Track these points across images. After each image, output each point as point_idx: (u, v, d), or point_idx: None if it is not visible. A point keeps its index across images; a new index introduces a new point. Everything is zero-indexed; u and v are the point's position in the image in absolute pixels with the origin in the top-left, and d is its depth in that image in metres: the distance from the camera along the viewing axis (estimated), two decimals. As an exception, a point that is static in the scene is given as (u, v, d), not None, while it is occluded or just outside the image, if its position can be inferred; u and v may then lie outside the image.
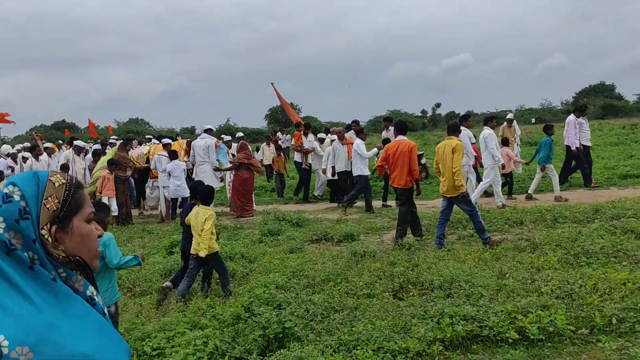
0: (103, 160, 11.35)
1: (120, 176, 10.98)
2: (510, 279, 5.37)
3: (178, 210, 10.79)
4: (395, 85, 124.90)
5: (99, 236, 1.29)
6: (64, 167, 11.18)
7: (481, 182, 10.34)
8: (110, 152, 11.97)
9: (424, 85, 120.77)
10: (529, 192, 10.77)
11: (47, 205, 1.18)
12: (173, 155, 11.04)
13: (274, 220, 9.54)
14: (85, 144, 15.62)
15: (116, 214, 10.72)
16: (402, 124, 8.65)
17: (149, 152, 12.42)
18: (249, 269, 6.66)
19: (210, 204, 5.92)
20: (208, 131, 11.96)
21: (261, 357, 4.03)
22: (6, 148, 15.29)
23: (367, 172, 10.74)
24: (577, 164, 11.81)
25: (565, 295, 4.81)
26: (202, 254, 5.57)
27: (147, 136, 20.17)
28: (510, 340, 4.03)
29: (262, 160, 16.67)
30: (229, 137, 13.71)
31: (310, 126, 13.63)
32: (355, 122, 14.07)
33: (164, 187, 11.21)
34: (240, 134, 16.07)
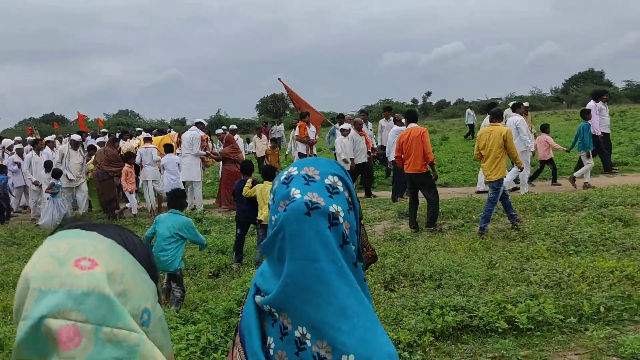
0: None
1: (109, 172, 10.93)
2: (500, 269, 5.42)
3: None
4: (387, 75, 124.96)
5: None
6: (47, 165, 11.00)
7: (511, 171, 10.00)
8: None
9: (415, 74, 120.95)
10: (586, 181, 10.35)
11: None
12: (168, 149, 11.00)
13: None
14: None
15: (130, 207, 11.00)
16: (412, 112, 8.83)
17: (138, 145, 12.34)
18: (241, 262, 6.68)
19: (271, 177, 6.74)
20: (198, 124, 11.96)
21: (254, 351, 4.04)
22: (7, 141, 15.15)
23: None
24: (597, 150, 11.69)
25: (554, 284, 4.87)
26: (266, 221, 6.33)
27: (137, 129, 20.02)
28: (499, 330, 4.09)
29: (254, 152, 16.56)
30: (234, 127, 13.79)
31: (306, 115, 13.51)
32: (364, 113, 14.12)
33: (152, 180, 11.16)
34: (234, 127, 15.82)
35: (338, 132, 12.51)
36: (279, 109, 55.27)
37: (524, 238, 6.73)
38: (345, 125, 12.06)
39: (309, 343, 1.00)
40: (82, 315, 0.70)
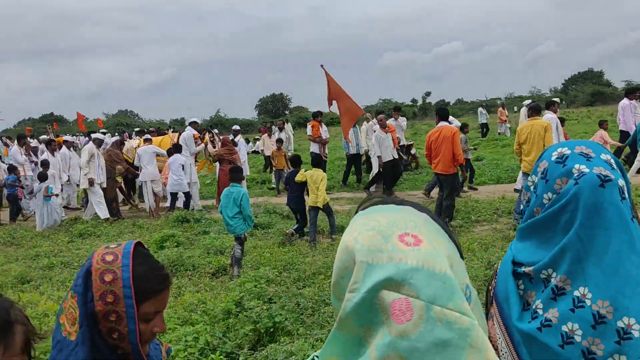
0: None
1: (111, 170, 11.00)
2: (498, 270, 5.42)
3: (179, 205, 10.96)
4: (386, 74, 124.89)
5: None
6: (44, 164, 10.91)
7: None
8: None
9: (415, 74, 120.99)
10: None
11: None
12: (176, 149, 11.06)
13: (264, 213, 9.56)
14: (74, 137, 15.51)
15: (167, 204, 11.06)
16: (444, 110, 8.67)
17: (138, 145, 12.37)
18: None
19: (322, 168, 7.82)
20: (192, 124, 12.04)
21: (252, 352, 4.05)
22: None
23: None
24: (632, 149, 11.53)
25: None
26: (321, 204, 7.60)
27: (135, 129, 20.04)
28: (497, 330, 4.08)
29: (262, 150, 16.68)
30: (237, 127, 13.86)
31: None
32: (397, 109, 13.99)
33: (152, 181, 11.17)
34: (236, 127, 15.73)
35: (367, 129, 12.53)
36: (278, 109, 55.28)
37: (523, 238, 6.73)
38: (389, 121, 12.06)
39: (588, 302, 1.06)
40: (413, 291, 0.70)
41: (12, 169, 11.72)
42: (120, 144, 12.37)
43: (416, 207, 0.84)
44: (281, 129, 15.05)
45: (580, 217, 1.09)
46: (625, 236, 1.07)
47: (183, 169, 10.77)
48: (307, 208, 7.97)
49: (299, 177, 7.76)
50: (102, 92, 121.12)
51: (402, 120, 14.13)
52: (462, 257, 0.83)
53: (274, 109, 54.90)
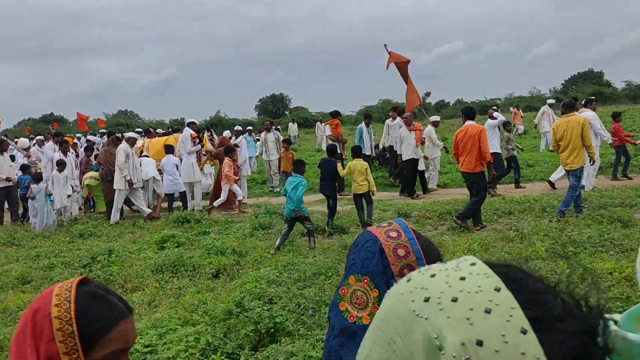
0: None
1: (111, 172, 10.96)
2: (498, 270, 5.43)
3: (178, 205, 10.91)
4: (386, 74, 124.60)
5: None
6: (60, 164, 10.88)
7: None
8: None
9: (415, 74, 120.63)
10: None
11: None
12: (168, 150, 11.03)
13: (265, 213, 9.57)
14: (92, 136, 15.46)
15: (241, 199, 11.02)
16: (470, 109, 8.60)
17: (142, 145, 12.38)
18: (240, 263, 6.69)
19: (361, 157, 8.82)
20: (190, 124, 12.03)
21: (253, 353, 4.06)
22: (24, 142, 15.10)
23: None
24: None
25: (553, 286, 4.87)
26: (372, 188, 8.40)
27: (136, 129, 20.05)
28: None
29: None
30: (250, 128, 13.61)
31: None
32: (395, 109, 13.86)
33: (154, 182, 11.18)
34: (238, 128, 15.54)
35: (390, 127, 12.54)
36: (278, 109, 55.26)
37: (523, 239, 6.74)
38: (434, 118, 12.16)
39: None
40: None
41: (25, 168, 11.71)
42: (116, 140, 12.31)
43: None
44: (268, 130, 13.53)
45: None
46: None
47: (177, 169, 10.81)
48: (337, 195, 8.75)
49: (345, 172, 8.47)
50: (102, 92, 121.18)
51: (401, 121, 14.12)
52: None
53: (274, 109, 54.85)
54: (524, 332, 0.51)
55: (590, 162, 8.24)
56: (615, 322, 0.62)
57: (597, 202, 8.12)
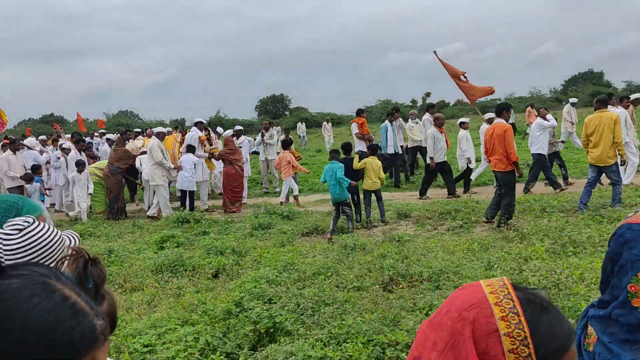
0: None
1: (120, 168, 11.08)
2: (498, 270, 5.43)
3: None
4: (386, 75, 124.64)
5: None
6: (79, 164, 10.73)
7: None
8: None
9: (415, 74, 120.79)
10: None
11: None
12: (189, 149, 11.17)
13: (264, 213, 9.56)
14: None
15: (296, 193, 11.24)
16: (497, 106, 8.27)
17: (143, 145, 12.40)
18: (240, 263, 6.69)
19: (376, 156, 9.00)
20: (197, 124, 12.02)
21: (252, 352, 4.05)
22: (32, 142, 15.09)
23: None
24: None
25: (552, 285, 4.87)
26: (379, 186, 8.77)
27: (135, 130, 20.03)
28: (498, 331, 4.08)
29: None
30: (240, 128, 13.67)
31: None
32: (431, 106, 13.65)
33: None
34: (239, 128, 15.44)
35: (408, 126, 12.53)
36: (278, 109, 55.28)
37: (523, 239, 6.73)
38: (465, 119, 12.05)
39: None
40: None
41: (35, 169, 11.72)
42: (123, 141, 12.35)
43: None
44: (267, 129, 13.58)
45: None
46: None
47: (195, 167, 10.89)
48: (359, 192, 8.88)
49: (359, 165, 8.64)
50: (102, 93, 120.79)
51: (402, 121, 14.10)
52: None
53: (274, 110, 54.87)
54: None
55: (620, 162, 7.96)
56: None
57: (597, 202, 8.11)
